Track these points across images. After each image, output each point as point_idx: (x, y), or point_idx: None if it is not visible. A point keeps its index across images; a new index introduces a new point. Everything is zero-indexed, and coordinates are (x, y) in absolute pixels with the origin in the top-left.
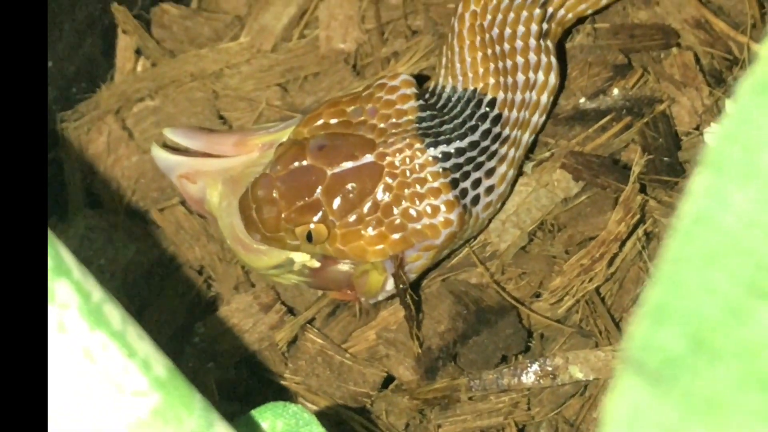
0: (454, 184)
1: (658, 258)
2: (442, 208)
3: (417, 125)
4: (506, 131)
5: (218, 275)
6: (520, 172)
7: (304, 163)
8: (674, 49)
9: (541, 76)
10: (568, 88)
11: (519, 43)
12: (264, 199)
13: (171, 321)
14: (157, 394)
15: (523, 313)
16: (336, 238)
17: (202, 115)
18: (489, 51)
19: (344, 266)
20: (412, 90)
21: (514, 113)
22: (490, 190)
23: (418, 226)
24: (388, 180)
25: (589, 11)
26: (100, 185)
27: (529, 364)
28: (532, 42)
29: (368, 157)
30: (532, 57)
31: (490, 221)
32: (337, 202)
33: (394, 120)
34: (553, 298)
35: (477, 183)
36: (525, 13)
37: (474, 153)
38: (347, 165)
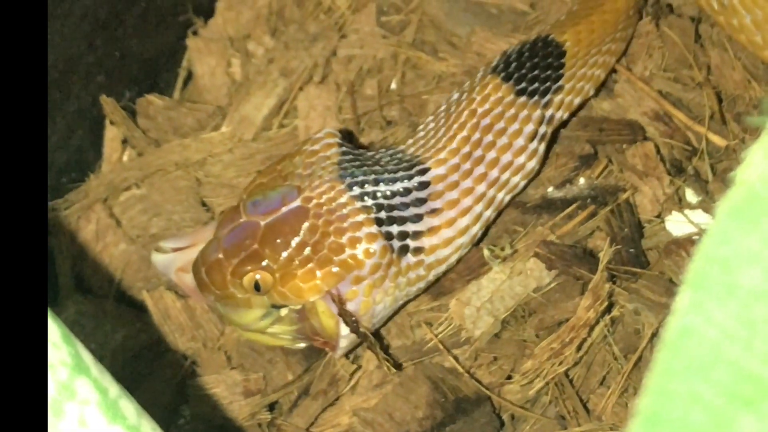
0: (378, 222)
1: (625, 348)
2: (364, 239)
3: (338, 167)
4: (436, 203)
5: (203, 360)
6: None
7: (241, 220)
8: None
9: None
10: (537, 178)
11: (504, 140)
12: (210, 260)
13: (158, 403)
14: None
15: (495, 398)
16: (276, 282)
17: (186, 203)
18: (463, 134)
19: None
20: (335, 140)
21: (453, 194)
22: (419, 251)
23: (343, 257)
24: (314, 220)
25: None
26: (90, 272)
27: None
28: (519, 142)
29: (296, 203)
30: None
31: (436, 279)
32: (272, 248)
33: (317, 166)
34: (524, 380)
35: (404, 235)
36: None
37: (396, 202)
38: (278, 213)
